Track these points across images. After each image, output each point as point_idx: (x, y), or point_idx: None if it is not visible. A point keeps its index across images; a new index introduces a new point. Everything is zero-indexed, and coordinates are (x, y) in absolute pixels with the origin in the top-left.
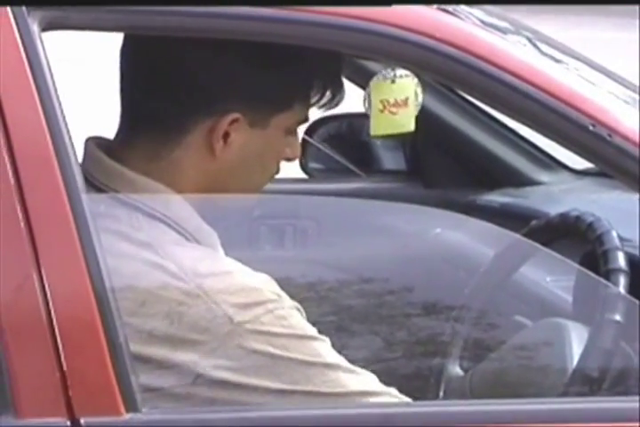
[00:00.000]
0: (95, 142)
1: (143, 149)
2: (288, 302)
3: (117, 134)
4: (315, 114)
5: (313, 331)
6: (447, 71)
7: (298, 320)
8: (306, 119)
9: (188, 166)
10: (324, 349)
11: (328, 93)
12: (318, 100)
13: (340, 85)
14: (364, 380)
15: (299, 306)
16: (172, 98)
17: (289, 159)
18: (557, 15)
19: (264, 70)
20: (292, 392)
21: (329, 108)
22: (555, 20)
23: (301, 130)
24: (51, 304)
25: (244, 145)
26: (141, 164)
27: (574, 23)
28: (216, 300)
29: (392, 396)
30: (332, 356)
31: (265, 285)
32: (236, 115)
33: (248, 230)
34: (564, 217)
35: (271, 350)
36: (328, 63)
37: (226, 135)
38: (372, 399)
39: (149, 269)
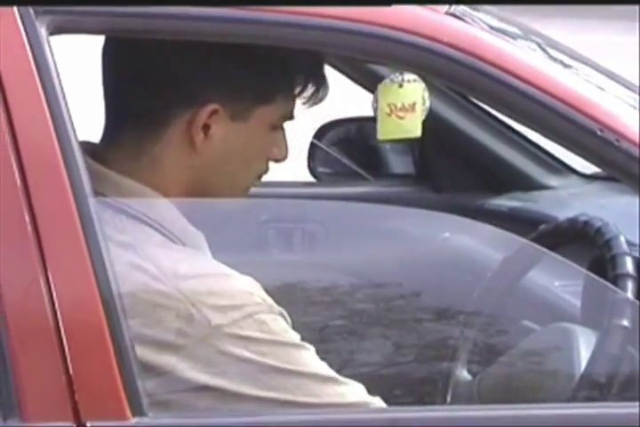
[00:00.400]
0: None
1: (127, 148)
2: (271, 307)
3: (103, 136)
4: (321, 117)
5: (295, 338)
6: (454, 75)
7: (279, 326)
8: (290, 115)
9: (169, 161)
10: (305, 357)
11: (310, 87)
12: (301, 94)
13: (323, 79)
14: (346, 390)
15: (283, 312)
16: (151, 92)
17: (277, 160)
18: (564, 19)
19: (244, 62)
20: (270, 400)
21: (313, 104)
22: (562, 23)
23: (310, 133)
24: (57, 308)
25: (226, 138)
26: (126, 163)
27: (581, 27)
28: (194, 302)
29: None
30: (314, 365)
31: (247, 288)
32: (214, 106)
33: (256, 234)
34: (572, 222)
35: (248, 355)
36: (310, 57)
37: (206, 128)
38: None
39: (129, 271)
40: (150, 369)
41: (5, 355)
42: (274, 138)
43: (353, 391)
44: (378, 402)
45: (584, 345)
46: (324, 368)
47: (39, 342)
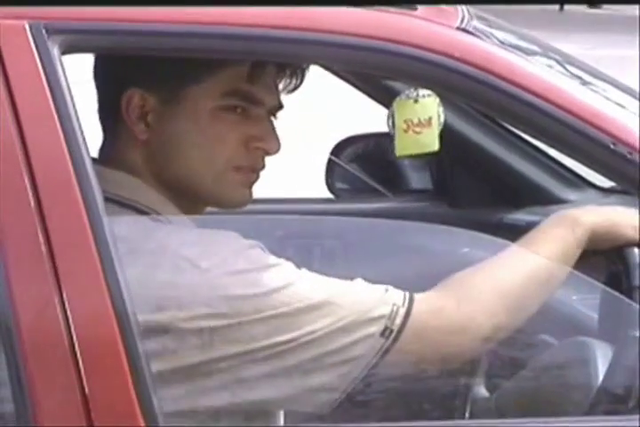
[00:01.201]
0: None
1: (105, 149)
2: (248, 241)
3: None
4: (339, 134)
5: (277, 260)
6: (466, 90)
7: (263, 254)
8: (243, 95)
9: (129, 154)
10: (290, 273)
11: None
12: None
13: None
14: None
15: (260, 244)
16: (99, 92)
17: (266, 151)
18: (585, 33)
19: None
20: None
21: (288, 89)
22: (583, 38)
23: (328, 150)
24: (72, 328)
25: (166, 124)
26: (113, 158)
27: (602, 41)
28: (181, 253)
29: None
30: (298, 273)
31: (223, 230)
32: (136, 90)
33: (275, 251)
34: None
35: (250, 290)
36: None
37: (145, 116)
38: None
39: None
40: (152, 329)
41: (21, 374)
42: (247, 128)
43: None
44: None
45: (602, 359)
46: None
47: (54, 361)
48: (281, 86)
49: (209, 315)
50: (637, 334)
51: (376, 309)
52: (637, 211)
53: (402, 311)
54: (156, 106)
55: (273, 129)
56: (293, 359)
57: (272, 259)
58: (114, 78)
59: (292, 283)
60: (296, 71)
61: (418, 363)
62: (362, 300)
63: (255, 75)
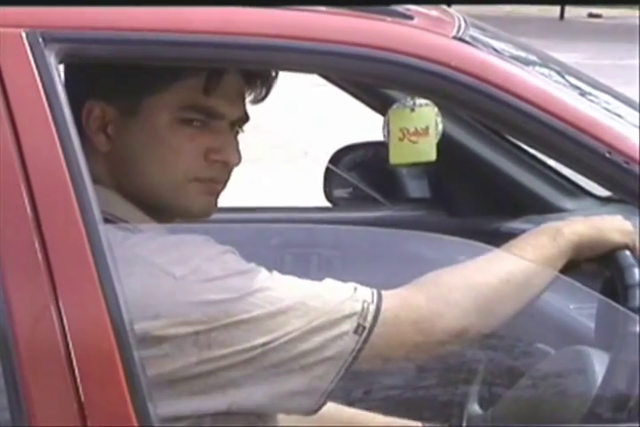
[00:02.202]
0: None
1: None
2: (220, 246)
3: None
4: (337, 142)
5: (249, 265)
6: (463, 100)
7: (235, 260)
8: (201, 107)
9: (94, 166)
10: (262, 277)
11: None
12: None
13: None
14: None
15: (232, 249)
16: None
17: (226, 163)
18: (585, 42)
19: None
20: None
21: (256, 100)
22: (584, 46)
23: (325, 158)
24: (68, 335)
25: (126, 135)
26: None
27: (605, 50)
28: (154, 261)
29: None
30: (271, 277)
31: (196, 238)
32: (95, 102)
33: (272, 259)
34: None
35: (224, 295)
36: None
37: (105, 128)
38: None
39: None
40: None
41: (17, 382)
42: (207, 141)
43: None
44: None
45: (599, 368)
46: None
47: (50, 370)
48: (251, 97)
49: (184, 322)
50: (635, 331)
51: (347, 307)
52: (630, 218)
53: (372, 308)
54: (115, 117)
55: (234, 141)
56: (270, 361)
57: (244, 264)
58: (75, 89)
59: (265, 287)
60: (267, 81)
61: (391, 358)
62: (333, 299)
63: (211, 87)
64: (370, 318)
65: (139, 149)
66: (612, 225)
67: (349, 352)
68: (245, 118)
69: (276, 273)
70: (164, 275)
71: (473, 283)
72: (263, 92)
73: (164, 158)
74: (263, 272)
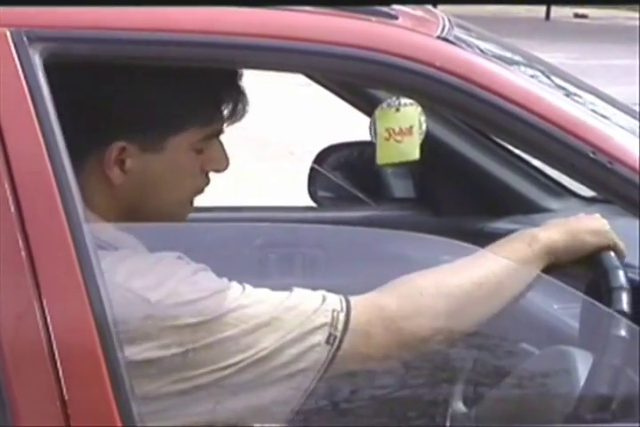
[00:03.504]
0: None
1: None
2: (193, 265)
3: None
4: (322, 142)
5: (222, 283)
6: (447, 99)
7: (208, 279)
8: (217, 133)
9: (94, 192)
10: (235, 295)
11: (230, 107)
12: (225, 116)
13: (240, 96)
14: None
15: (204, 266)
16: (71, 129)
17: (218, 171)
18: (571, 43)
19: (140, 99)
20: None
21: (234, 121)
22: (570, 47)
23: (310, 158)
24: (52, 334)
25: (144, 170)
26: None
27: (589, 50)
28: (129, 287)
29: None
30: (244, 294)
31: (169, 257)
32: (120, 144)
33: (256, 259)
34: None
35: (199, 318)
36: (218, 78)
37: (121, 163)
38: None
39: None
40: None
41: (0, 381)
42: (204, 157)
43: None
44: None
45: (582, 369)
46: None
47: (34, 369)
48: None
49: (161, 346)
50: (619, 334)
51: (317, 318)
52: (614, 218)
53: (342, 316)
54: (135, 153)
55: (220, 146)
56: (247, 377)
57: (217, 283)
58: (96, 130)
59: (239, 305)
60: (241, 101)
61: (364, 363)
62: (304, 310)
63: (223, 113)
64: (340, 326)
65: (157, 179)
66: (587, 227)
67: (322, 363)
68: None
69: (248, 287)
70: (139, 301)
71: (445, 287)
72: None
73: (180, 183)
74: (236, 288)
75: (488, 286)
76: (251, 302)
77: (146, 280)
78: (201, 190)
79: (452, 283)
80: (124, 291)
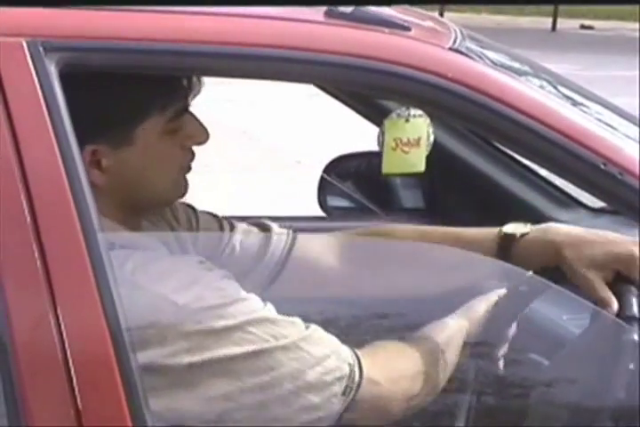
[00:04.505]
0: None
1: None
2: (216, 271)
3: None
4: (329, 152)
5: (243, 292)
6: (459, 111)
7: (232, 286)
8: (180, 110)
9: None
10: (255, 306)
11: (186, 81)
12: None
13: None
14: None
15: (227, 273)
16: None
17: (199, 143)
18: (577, 54)
19: (93, 99)
20: (249, 356)
21: (195, 93)
22: (576, 58)
23: (317, 167)
24: (66, 342)
25: (122, 165)
26: None
27: (595, 62)
28: (156, 291)
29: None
30: (263, 309)
31: (191, 262)
32: (90, 147)
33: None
34: None
35: (223, 322)
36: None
37: (98, 164)
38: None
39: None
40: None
41: (15, 389)
42: (181, 135)
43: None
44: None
45: (595, 377)
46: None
47: (48, 376)
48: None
49: (189, 349)
50: (628, 364)
51: (337, 368)
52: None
53: (356, 370)
54: (108, 152)
55: (197, 120)
56: (269, 414)
57: (241, 291)
58: None
59: (263, 317)
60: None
61: (371, 417)
62: (324, 354)
63: (190, 91)
64: (356, 379)
65: (138, 170)
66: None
67: (336, 412)
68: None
69: (269, 305)
70: (165, 304)
71: (421, 374)
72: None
73: (162, 167)
74: (259, 301)
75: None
76: (276, 318)
77: (171, 283)
78: (188, 167)
79: (426, 370)
80: (150, 295)
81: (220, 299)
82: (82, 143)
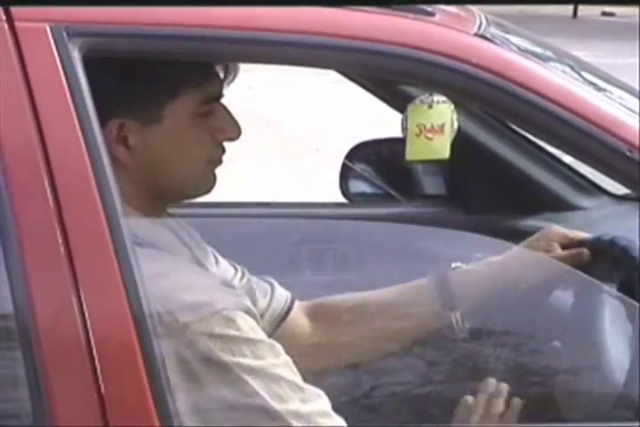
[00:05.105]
0: None
1: None
2: (238, 303)
3: None
4: (349, 139)
5: (262, 336)
6: (484, 97)
7: (247, 323)
8: (216, 96)
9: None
10: (269, 356)
11: (222, 67)
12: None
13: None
14: (309, 398)
15: (251, 309)
16: None
17: (231, 139)
18: (599, 41)
19: (126, 73)
20: (240, 407)
21: (230, 80)
22: (597, 45)
23: (336, 155)
24: (89, 328)
25: (149, 144)
26: None
27: (616, 49)
28: (163, 301)
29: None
30: (279, 366)
31: (213, 284)
32: (117, 121)
33: (289, 255)
34: (596, 241)
35: (219, 354)
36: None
37: (125, 140)
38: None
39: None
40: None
41: (39, 374)
42: (211, 123)
43: (314, 400)
44: (337, 419)
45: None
46: (288, 371)
47: (71, 362)
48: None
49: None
50: None
51: None
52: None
53: None
54: (136, 129)
55: (228, 114)
56: None
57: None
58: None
59: (270, 364)
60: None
61: None
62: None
63: (216, 75)
64: None
65: (164, 152)
66: None
67: None
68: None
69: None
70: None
71: None
72: (233, 74)
73: (189, 153)
74: (271, 350)
75: None
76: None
77: (184, 296)
78: (217, 161)
79: None
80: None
81: (235, 331)
82: (109, 118)
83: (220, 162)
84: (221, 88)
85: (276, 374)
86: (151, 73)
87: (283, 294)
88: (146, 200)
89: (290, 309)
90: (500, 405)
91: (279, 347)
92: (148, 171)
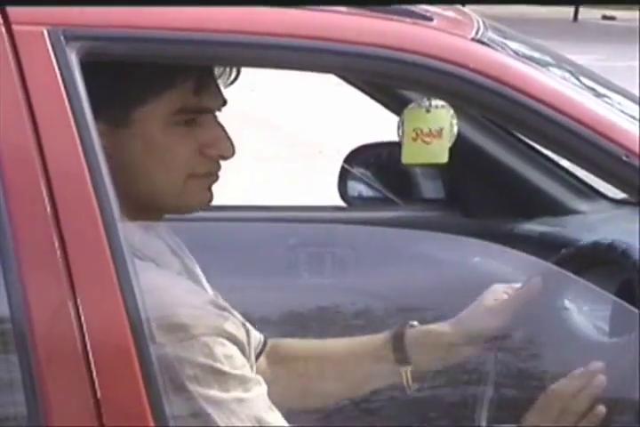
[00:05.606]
0: None
1: None
2: (219, 330)
3: None
4: (351, 142)
5: (238, 366)
6: (481, 101)
7: (223, 352)
8: (197, 108)
9: None
10: (239, 391)
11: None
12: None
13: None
14: None
15: (232, 333)
16: None
17: (223, 157)
18: (599, 44)
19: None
20: None
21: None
22: (597, 48)
23: (339, 157)
24: (85, 332)
25: (119, 147)
26: None
27: (617, 52)
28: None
29: None
30: (252, 402)
31: (201, 303)
32: None
33: (287, 258)
34: (595, 245)
35: (186, 381)
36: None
37: None
38: None
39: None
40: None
41: (34, 378)
42: (197, 136)
43: None
44: None
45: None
46: (256, 406)
47: (67, 366)
48: (221, 82)
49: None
50: None
51: None
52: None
53: None
54: (105, 131)
55: (223, 132)
56: None
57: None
58: None
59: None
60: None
61: None
62: None
63: (203, 87)
64: None
65: (135, 157)
66: None
67: None
68: (224, 102)
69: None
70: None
71: None
72: (233, 75)
73: (162, 162)
74: (244, 387)
75: None
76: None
77: (164, 317)
78: (205, 175)
79: None
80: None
81: (222, 365)
82: None
83: (211, 177)
84: (210, 102)
85: (238, 409)
86: (121, 76)
87: (257, 335)
88: (127, 207)
89: (261, 352)
90: (585, 401)
91: (256, 381)
92: (122, 175)
